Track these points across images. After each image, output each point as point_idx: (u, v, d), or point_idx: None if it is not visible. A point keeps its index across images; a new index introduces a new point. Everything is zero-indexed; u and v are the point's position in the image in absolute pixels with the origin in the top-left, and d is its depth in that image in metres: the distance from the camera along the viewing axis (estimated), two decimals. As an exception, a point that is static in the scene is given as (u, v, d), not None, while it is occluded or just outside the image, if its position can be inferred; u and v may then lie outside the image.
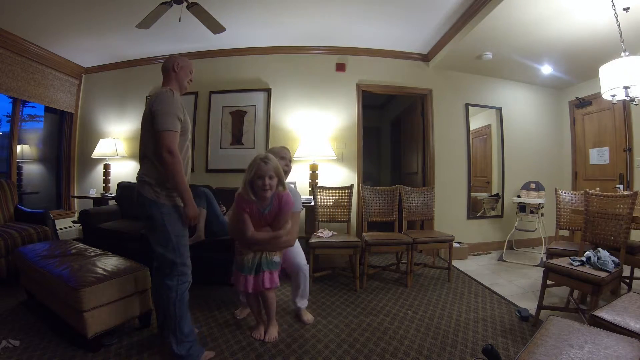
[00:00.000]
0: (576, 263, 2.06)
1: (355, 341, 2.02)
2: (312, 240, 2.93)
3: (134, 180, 1.81)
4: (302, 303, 2.34)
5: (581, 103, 4.38)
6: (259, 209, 1.94)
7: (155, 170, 1.69)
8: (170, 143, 1.62)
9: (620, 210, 2.25)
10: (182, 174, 1.68)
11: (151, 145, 1.69)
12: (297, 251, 2.31)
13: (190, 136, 1.85)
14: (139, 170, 1.77)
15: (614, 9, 2.47)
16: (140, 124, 1.80)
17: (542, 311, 2.21)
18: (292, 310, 2.42)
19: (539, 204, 4.01)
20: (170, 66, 1.83)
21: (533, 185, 4.25)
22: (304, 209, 3.51)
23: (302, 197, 3.58)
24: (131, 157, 4.41)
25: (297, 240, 2.27)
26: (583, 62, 3.69)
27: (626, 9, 2.53)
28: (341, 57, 4.15)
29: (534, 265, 3.65)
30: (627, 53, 2.32)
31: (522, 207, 4.14)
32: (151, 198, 1.68)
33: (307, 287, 2.34)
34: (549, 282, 2.19)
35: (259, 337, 2.03)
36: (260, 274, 1.93)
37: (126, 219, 3.59)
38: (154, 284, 1.84)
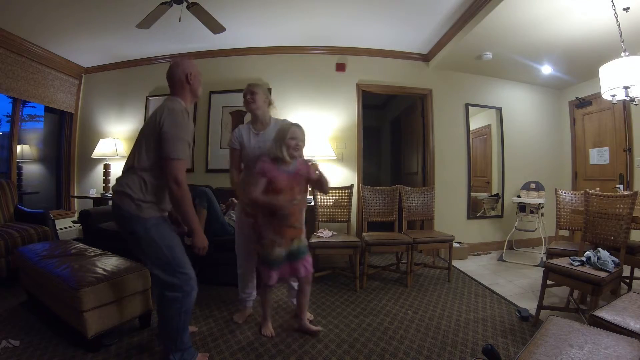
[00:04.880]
0: (576, 263, 2.06)
1: (355, 341, 2.02)
2: (312, 240, 2.93)
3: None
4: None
5: (581, 103, 4.38)
6: (283, 170, 1.96)
7: (140, 185, 1.58)
8: (177, 172, 1.54)
9: (620, 210, 2.25)
10: (190, 203, 1.60)
11: (146, 161, 1.58)
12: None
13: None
14: (119, 178, 1.65)
15: (614, 9, 2.47)
16: (140, 125, 1.72)
17: (542, 311, 2.21)
18: (291, 310, 2.42)
19: (539, 204, 4.01)
20: (184, 77, 1.68)
21: (533, 185, 4.25)
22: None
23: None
24: (131, 157, 4.41)
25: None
26: (583, 62, 3.69)
27: (626, 9, 2.53)
28: (341, 57, 4.15)
29: (534, 265, 3.65)
30: (627, 53, 2.32)
31: (522, 207, 4.14)
32: (133, 213, 1.57)
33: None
34: (549, 282, 2.19)
35: (270, 334, 2.06)
36: (297, 262, 1.98)
37: (126, 219, 3.58)
38: (155, 293, 1.73)
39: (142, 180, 1.59)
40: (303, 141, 2.01)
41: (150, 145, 1.58)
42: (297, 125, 2.00)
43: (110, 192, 4.08)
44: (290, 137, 1.95)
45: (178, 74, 1.69)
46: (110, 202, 4.05)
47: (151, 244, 1.59)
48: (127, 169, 1.65)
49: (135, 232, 1.58)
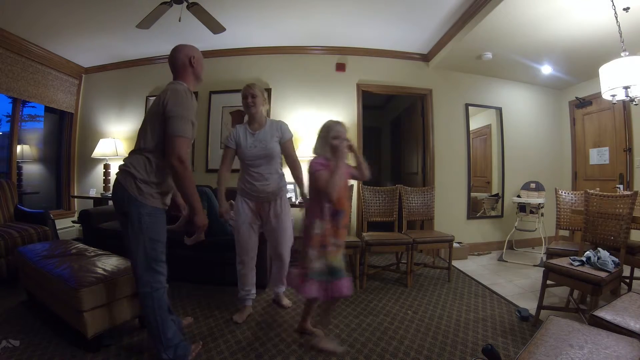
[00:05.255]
0: (576, 263, 2.06)
1: (355, 341, 2.02)
2: (312, 240, 2.93)
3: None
4: (281, 288, 2.50)
5: (581, 103, 4.38)
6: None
7: (144, 164, 1.60)
8: (181, 150, 1.53)
9: (620, 210, 2.25)
10: (193, 182, 1.59)
11: (151, 142, 1.61)
12: (289, 240, 2.40)
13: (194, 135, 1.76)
14: (125, 158, 1.66)
15: (614, 9, 2.47)
16: (141, 121, 1.72)
17: (542, 311, 2.21)
18: (290, 310, 2.43)
19: (539, 204, 4.01)
20: (187, 61, 1.70)
21: (533, 185, 4.25)
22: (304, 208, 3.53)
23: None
24: (131, 157, 4.41)
25: (291, 229, 2.42)
26: (583, 62, 3.69)
27: (626, 9, 2.53)
28: (341, 57, 4.15)
29: (534, 265, 3.65)
30: (627, 53, 2.33)
31: (522, 207, 4.14)
32: (132, 194, 1.57)
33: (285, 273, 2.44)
34: (549, 282, 2.19)
35: (311, 331, 2.01)
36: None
37: (126, 219, 3.58)
38: None
39: (147, 160, 1.61)
40: (346, 139, 1.92)
41: (154, 126, 1.60)
42: (340, 124, 1.92)
43: (111, 192, 4.12)
44: (333, 136, 1.87)
45: (181, 58, 1.71)
46: (110, 202, 4.07)
47: (138, 232, 1.59)
48: (133, 151, 1.67)
49: (129, 214, 1.58)
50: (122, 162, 1.67)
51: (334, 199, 1.74)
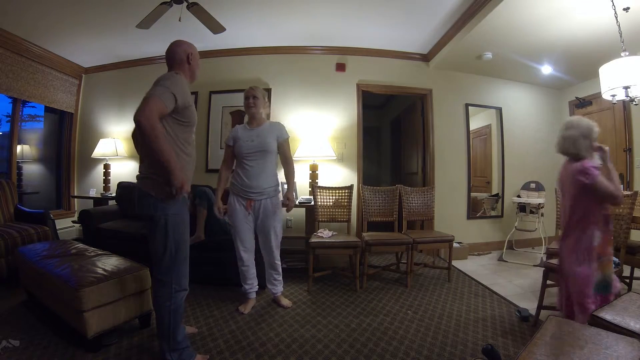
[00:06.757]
0: (576, 263, 2.05)
1: (355, 341, 2.02)
2: (312, 240, 2.93)
3: (134, 180, 1.73)
4: (278, 289, 2.52)
5: (581, 103, 4.38)
6: None
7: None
8: (150, 107, 1.41)
9: (620, 210, 2.25)
10: (162, 138, 1.45)
11: None
12: (280, 237, 2.48)
13: (194, 130, 1.74)
14: (140, 167, 1.65)
15: (614, 9, 2.47)
16: None
17: (542, 311, 2.21)
18: (290, 310, 2.43)
19: (539, 204, 4.01)
20: (184, 57, 1.68)
21: (533, 185, 4.25)
22: (305, 208, 3.53)
23: (302, 197, 3.61)
24: (131, 157, 4.41)
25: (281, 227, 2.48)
26: (583, 62, 3.69)
27: (626, 9, 2.53)
28: (341, 57, 4.15)
29: (534, 265, 3.64)
30: (627, 53, 2.32)
31: (522, 207, 4.14)
32: (155, 196, 1.57)
33: (280, 274, 2.55)
34: (549, 282, 2.19)
35: None
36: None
37: (126, 219, 3.59)
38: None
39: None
40: None
41: None
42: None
43: (111, 192, 4.12)
44: (595, 137, 1.76)
45: (179, 53, 1.69)
46: (110, 202, 4.07)
47: (165, 233, 1.60)
48: (143, 157, 1.64)
49: (155, 216, 1.59)
50: (139, 172, 1.65)
51: (622, 202, 1.71)
